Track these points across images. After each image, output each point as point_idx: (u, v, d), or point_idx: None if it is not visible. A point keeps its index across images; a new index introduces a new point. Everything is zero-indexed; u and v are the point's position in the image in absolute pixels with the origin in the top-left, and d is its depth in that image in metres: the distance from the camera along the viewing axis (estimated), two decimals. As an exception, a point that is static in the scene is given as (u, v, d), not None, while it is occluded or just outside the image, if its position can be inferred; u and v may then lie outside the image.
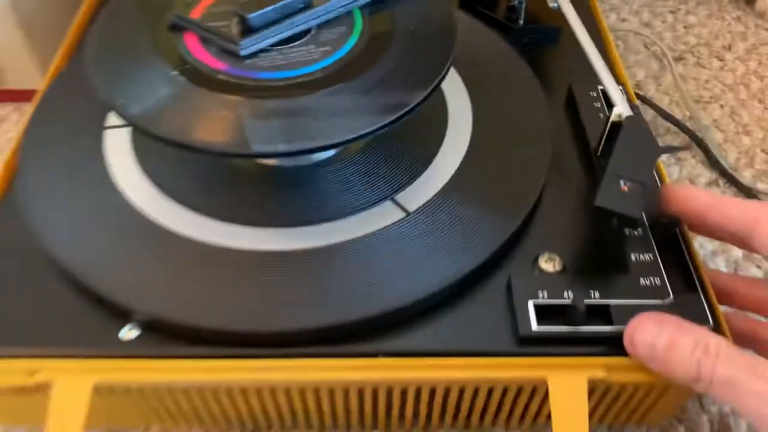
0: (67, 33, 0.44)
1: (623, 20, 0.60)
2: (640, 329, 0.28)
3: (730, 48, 0.57)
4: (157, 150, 0.35)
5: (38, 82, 0.50)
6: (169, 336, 0.29)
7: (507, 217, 0.32)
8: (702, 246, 0.42)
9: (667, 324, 0.27)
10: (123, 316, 0.30)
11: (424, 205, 0.33)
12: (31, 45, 0.48)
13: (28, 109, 0.51)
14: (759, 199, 0.45)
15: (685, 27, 0.59)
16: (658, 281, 0.30)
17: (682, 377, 0.27)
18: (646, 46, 0.57)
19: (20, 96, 0.51)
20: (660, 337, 0.27)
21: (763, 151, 0.48)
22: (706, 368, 0.26)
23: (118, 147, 0.35)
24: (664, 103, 0.52)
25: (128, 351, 0.29)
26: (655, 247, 0.31)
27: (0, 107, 0.51)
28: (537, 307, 0.29)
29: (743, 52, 0.56)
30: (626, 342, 0.28)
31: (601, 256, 0.32)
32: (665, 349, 0.27)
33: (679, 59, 0.56)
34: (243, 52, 0.31)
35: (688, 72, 0.55)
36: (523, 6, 0.44)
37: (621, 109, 0.32)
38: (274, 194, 0.33)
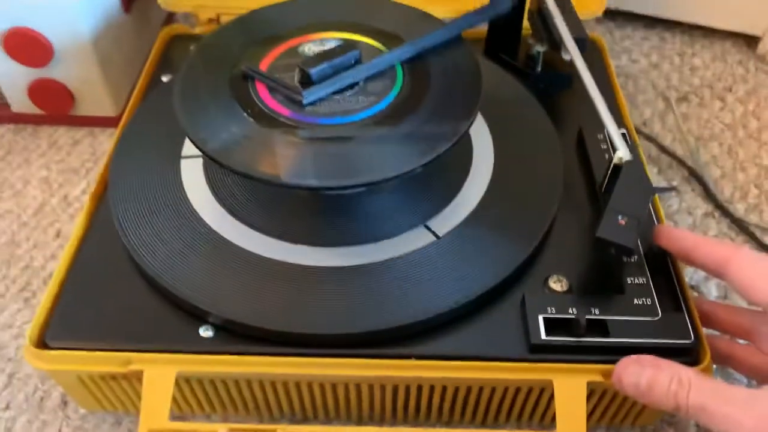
0: (141, 73, 0.51)
1: (634, 61, 0.65)
2: (625, 372, 0.32)
3: (731, 89, 0.62)
4: (228, 177, 0.41)
5: (110, 110, 0.57)
6: (237, 336, 0.35)
7: (522, 243, 0.38)
8: (696, 271, 0.47)
9: (646, 364, 0.32)
10: (200, 319, 0.36)
11: (451, 230, 0.39)
12: (106, 78, 0.55)
13: (101, 134, 0.58)
14: (750, 229, 0.50)
15: (690, 69, 0.64)
16: (649, 302, 0.36)
17: (665, 407, 0.32)
18: (654, 86, 0.62)
19: (94, 122, 0.57)
20: (642, 377, 0.32)
21: (756, 186, 0.53)
22: (682, 398, 0.31)
23: (193, 173, 0.41)
24: (667, 140, 0.57)
25: (204, 347, 0.35)
26: (648, 272, 0.37)
27: (75, 131, 0.58)
28: (546, 321, 0.35)
29: (743, 93, 0.62)
30: (615, 382, 0.33)
31: (601, 278, 0.37)
32: (647, 386, 0.32)
33: (683, 99, 0.61)
34: (305, 101, 0.37)
35: (692, 111, 0.60)
36: (541, 55, 0.49)
37: (622, 153, 0.38)
38: (327, 218, 0.39)
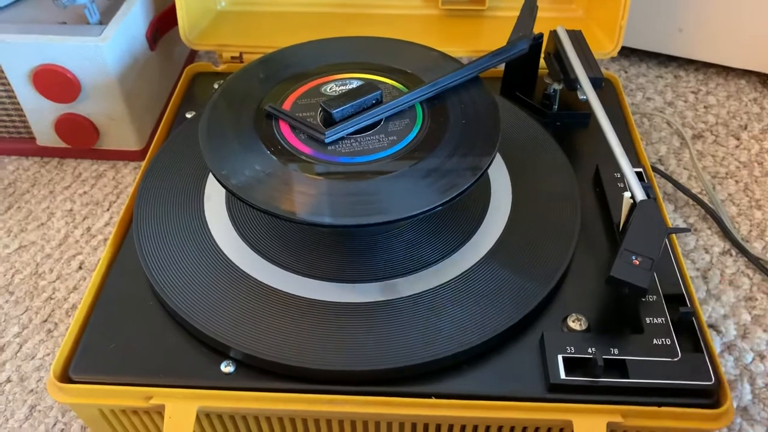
0: (166, 109, 0.52)
1: (649, 99, 0.66)
2: None
3: (746, 127, 0.62)
4: (251, 213, 0.41)
5: (133, 144, 0.58)
6: (258, 371, 0.36)
7: (541, 282, 0.38)
8: (714, 309, 0.47)
9: None
10: (221, 354, 0.36)
11: (471, 267, 0.39)
12: (131, 113, 0.56)
13: (124, 167, 0.59)
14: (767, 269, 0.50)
15: (705, 107, 0.65)
16: (668, 342, 0.36)
17: None
18: (669, 124, 0.63)
19: (117, 156, 0.59)
20: None
21: (773, 224, 0.53)
22: None
23: (216, 209, 0.42)
24: (683, 177, 0.57)
25: (225, 383, 0.35)
26: (667, 312, 0.37)
27: (99, 165, 0.59)
28: (565, 360, 0.35)
29: (758, 131, 0.62)
30: None
31: (620, 317, 0.37)
32: None
33: (698, 137, 0.62)
34: (327, 140, 0.38)
35: (707, 149, 0.60)
36: (557, 94, 0.50)
37: (636, 194, 0.38)
38: (348, 255, 0.39)
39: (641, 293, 0.34)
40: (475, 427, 0.36)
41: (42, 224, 0.54)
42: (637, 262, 0.35)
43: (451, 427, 0.36)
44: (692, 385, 0.34)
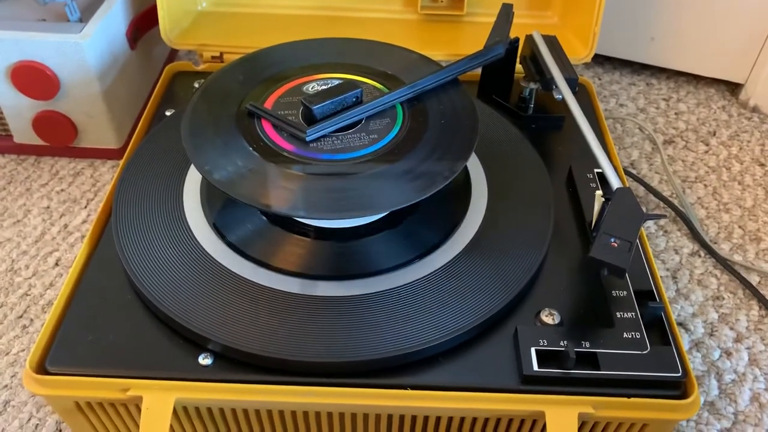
0: (145, 107, 0.52)
1: (621, 105, 0.68)
2: None
3: (714, 134, 0.64)
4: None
5: (112, 142, 0.58)
6: (235, 363, 0.36)
7: (515, 278, 0.39)
8: (683, 308, 0.49)
9: None
10: (199, 346, 0.36)
11: (447, 263, 0.40)
12: (110, 112, 0.56)
13: (102, 165, 0.59)
14: (735, 269, 0.51)
15: (676, 113, 0.67)
16: (638, 335, 0.37)
17: None
18: (641, 130, 0.65)
19: (96, 154, 0.59)
20: None
21: (740, 227, 0.55)
22: None
23: (194, 204, 0.42)
24: (654, 181, 0.59)
25: (203, 375, 0.36)
26: (637, 307, 0.38)
27: (77, 163, 0.59)
28: (538, 353, 0.36)
29: (726, 138, 0.64)
30: None
31: (592, 312, 0.38)
32: None
33: (669, 142, 0.63)
34: (309, 138, 0.38)
35: (677, 154, 0.62)
36: (533, 97, 0.51)
37: (612, 182, 0.39)
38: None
39: (621, 273, 0.35)
40: (450, 419, 0.36)
41: (18, 221, 0.54)
42: (616, 245, 0.36)
43: (426, 419, 0.37)
44: (661, 376, 0.35)
